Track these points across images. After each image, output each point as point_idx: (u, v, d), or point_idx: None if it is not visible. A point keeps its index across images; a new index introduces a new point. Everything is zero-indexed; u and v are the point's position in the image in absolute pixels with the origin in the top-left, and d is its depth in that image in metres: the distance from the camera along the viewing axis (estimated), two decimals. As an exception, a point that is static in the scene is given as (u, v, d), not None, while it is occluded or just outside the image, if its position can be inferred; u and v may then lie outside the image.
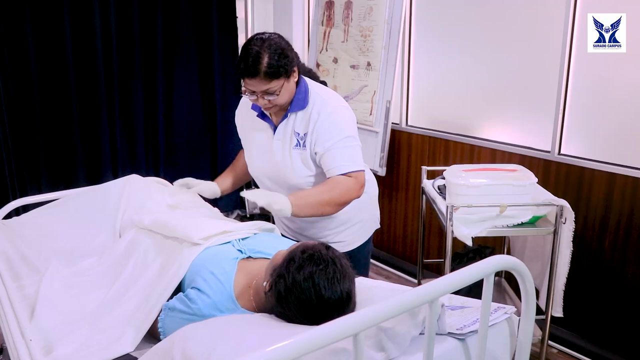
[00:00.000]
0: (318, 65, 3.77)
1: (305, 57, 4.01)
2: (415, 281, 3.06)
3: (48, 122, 3.42)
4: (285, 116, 1.78)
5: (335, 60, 3.60)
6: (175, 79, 3.96)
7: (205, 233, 1.53)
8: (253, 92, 1.67)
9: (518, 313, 1.29)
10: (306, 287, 1.15)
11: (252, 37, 1.66)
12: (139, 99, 3.79)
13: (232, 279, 1.37)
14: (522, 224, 1.92)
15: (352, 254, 1.82)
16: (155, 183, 2.59)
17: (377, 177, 2.37)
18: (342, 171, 1.69)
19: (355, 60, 3.39)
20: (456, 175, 1.99)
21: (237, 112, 2.00)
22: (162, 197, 2.28)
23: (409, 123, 3.33)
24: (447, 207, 1.89)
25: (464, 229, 1.87)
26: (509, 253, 2.46)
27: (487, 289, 1.12)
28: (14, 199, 2.93)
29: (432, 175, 2.44)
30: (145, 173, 3.91)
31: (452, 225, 1.89)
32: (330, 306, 1.16)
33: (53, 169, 3.51)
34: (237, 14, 4.42)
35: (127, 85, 3.72)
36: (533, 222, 1.95)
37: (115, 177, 3.64)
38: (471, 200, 1.90)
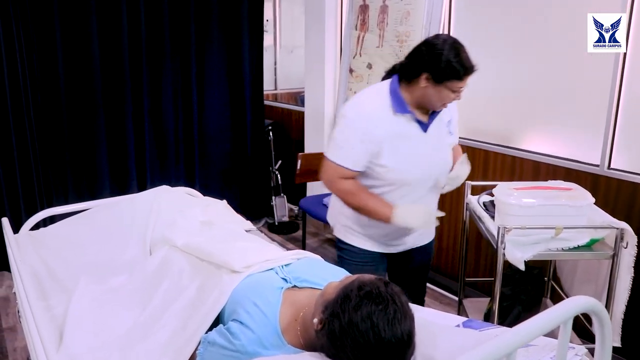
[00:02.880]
0: (351, 70, 3.67)
1: (337, 62, 3.91)
2: (454, 297, 2.95)
3: (75, 130, 3.39)
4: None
5: (370, 66, 3.49)
6: (205, 85, 3.90)
7: (246, 261, 1.44)
8: (458, 90, 1.72)
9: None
10: (364, 329, 1.05)
11: (447, 38, 1.71)
12: (168, 105, 3.73)
13: (277, 311, 1.27)
14: (578, 247, 1.79)
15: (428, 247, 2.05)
16: (185, 194, 2.53)
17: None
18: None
19: (391, 66, 3.27)
20: (507, 193, 1.86)
21: (367, 122, 1.74)
22: (194, 213, 2.20)
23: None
24: (499, 228, 1.77)
25: (517, 252, 1.75)
26: (555, 274, 2.33)
27: (564, 336, 1.01)
28: (42, 208, 2.89)
29: (475, 190, 2.32)
30: (175, 180, 3.86)
31: (504, 248, 1.77)
32: (390, 349, 1.05)
33: (80, 178, 3.47)
34: (267, 17, 4.36)
35: (156, 91, 3.67)
36: (590, 245, 1.82)
37: (144, 187, 3.60)
38: (523, 221, 1.78)
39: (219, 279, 1.42)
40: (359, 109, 1.78)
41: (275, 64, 5.56)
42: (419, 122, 1.79)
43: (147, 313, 1.58)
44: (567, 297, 2.19)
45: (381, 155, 1.76)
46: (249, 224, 2.42)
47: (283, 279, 1.40)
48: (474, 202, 2.16)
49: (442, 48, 1.67)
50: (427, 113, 1.81)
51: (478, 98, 3.04)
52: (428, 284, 3.31)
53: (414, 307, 1.51)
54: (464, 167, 1.91)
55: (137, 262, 1.98)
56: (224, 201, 2.65)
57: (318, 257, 1.62)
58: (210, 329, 1.33)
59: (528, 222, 1.78)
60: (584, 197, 1.83)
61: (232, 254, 1.50)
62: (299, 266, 1.48)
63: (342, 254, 2.05)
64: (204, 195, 2.70)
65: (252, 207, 4.36)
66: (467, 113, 3.11)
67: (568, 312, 0.99)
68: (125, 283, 1.86)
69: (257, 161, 4.24)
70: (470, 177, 2.93)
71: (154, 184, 3.73)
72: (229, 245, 1.62)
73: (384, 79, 1.90)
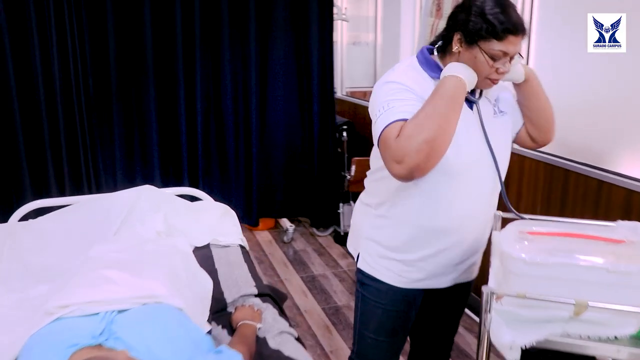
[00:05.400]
0: (424, 63, 3.11)
1: (414, 52, 3.36)
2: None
3: (126, 120, 3.29)
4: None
5: (441, 58, 2.91)
6: (268, 78, 3.61)
7: (64, 299, 1.08)
8: (501, 56, 1.32)
9: None
10: None
11: None
12: (227, 100, 3.50)
13: None
14: (618, 339, 1.13)
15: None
16: (173, 196, 2.25)
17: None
18: None
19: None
20: (516, 238, 1.25)
21: (408, 83, 1.36)
22: (154, 220, 1.91)
23: (522, 143, 2.51)
24: (484, 293, 1.18)
25: (506, 333, 1.14)
26: None
27: None
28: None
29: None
30: (234, 177, 3.63)
31: (489, 323, 1.18)
32: None
33: (131, 169, 3.38)
34: (340, 4, 3.95)
35: (214, 83, 3.46)
36: (642, 336, 1.15)
37: (196, 184, 3.44)
38: (530, 284, 1.16)
39: (31, 319, 1.09)
40: (394, 76, 1.40)
41: (375, 60, 5.18)
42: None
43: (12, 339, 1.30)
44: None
45: None
46: (231, 239, 2.07)
47: (95, 332, 1.02)
48: (497, 239, 1.53)
49: (480, 1, 1.32)
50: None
51: (562, 102, 2.31)
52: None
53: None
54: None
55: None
56: (226, 207, 2.32)
57: (175, 305, 1.20)
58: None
59: (535, 286, 1.16)
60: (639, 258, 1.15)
61: (72, 286, 1.15)
62: (132, 315, 1.09)
63: (365, 292, 1.62)
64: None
65: (320, 215, 3.99)
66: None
67: None
68: (45, 294, 1.62)
69: (325, 163, 3.85)
70: (545, 200, 2.28)
71: (207, 182, 3.54)
72: (99, 272, 1.27)
73: None
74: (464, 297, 1.72)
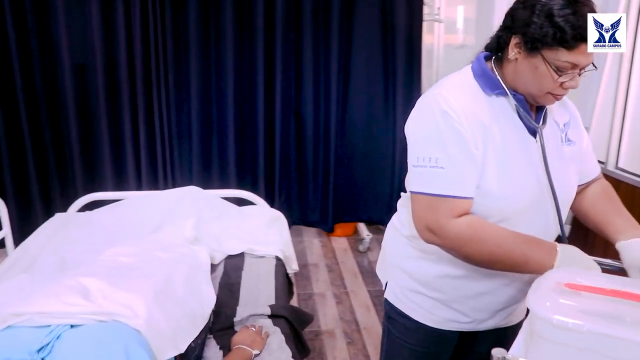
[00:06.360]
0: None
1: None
2: None
3: (204, 114, 3.32)
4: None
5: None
6: (351, 78, 3.47)
7: (20, 307, 1.04)
8: (569, 68, 1.13)
9: None
10: None
11: None
12: (307, 97, 3.42)
13: None
14: None
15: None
16: (218, 199, 2.19)
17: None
18: (598, 171, 1.40)
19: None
20: (551, 291, 1.00)
21: (459, 116, 1.16)
22: (183, 224, 1.85)
23: (619, 164, 2.15)
24: (495, 358, 0.95)
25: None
26: None
27: None
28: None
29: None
30: (312, 182, 3.55)
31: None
32: None
33: (207, 165, 3.42)
34: (435, 4, 3.68)
35: (295, 83, 3.39)
36: None
37: (272, 189, 3.40)
38: (560, 354, 0.92)
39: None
40: (447, 103, 1.18)
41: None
42: (522, 118, 1.21)
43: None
44: None
45: (483, 170, 1.18)
46: (270, 250, 1.96)
47: (37, 346, 0.97)
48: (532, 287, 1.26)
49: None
50: (533, 110, 1.25)
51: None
52: None
53: None
54: None
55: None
56: (278, 213, 2.22)
57: (133, 326, 1.11)
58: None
59: (562, 356, 0.91)
60: None
61: (36, 292, 1.12)
62: (81, 333, 1.03)
63: (392, 327, 1.47)
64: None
65: (379, 213, 3.79)
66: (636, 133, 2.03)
67: None
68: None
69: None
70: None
71: (284, 185, 3.48)
72: (78, 279, 1.23)
73: None
74: (508, 341, 1.48)
